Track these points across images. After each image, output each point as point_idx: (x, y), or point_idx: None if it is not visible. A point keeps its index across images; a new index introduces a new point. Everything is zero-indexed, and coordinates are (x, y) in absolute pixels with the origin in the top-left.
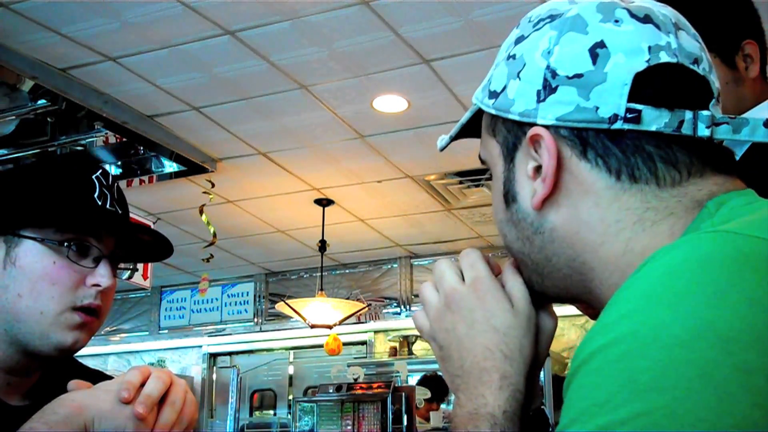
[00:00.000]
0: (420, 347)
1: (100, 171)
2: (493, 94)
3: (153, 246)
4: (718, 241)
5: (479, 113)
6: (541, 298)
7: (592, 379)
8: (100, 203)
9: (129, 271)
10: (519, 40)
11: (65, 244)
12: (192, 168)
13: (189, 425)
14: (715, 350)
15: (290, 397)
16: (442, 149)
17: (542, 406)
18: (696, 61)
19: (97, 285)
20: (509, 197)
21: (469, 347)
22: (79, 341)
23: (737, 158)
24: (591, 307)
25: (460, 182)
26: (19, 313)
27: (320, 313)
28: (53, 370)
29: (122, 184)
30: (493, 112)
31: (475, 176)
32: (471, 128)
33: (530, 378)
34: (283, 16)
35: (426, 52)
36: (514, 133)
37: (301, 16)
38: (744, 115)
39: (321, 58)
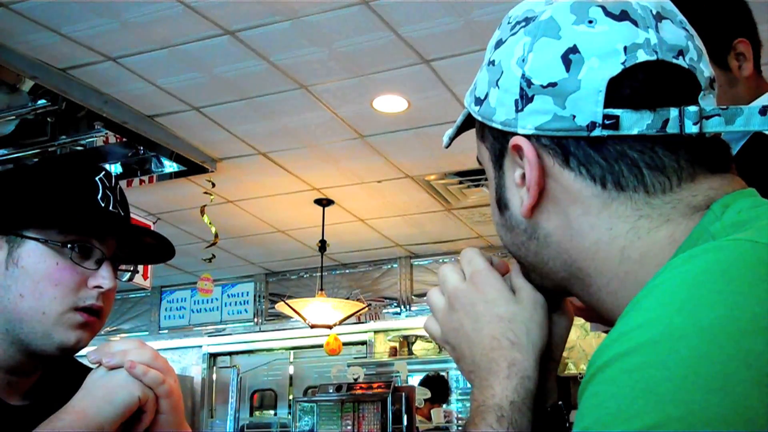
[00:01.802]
0: (420, 347)
1: (103, 173)
2: (478, 101)
3: (155, 248)
4: (739, 251)
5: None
6: (549, 295)
7: (607, 388)
8: (103, 205)
9: (130, 273)
10: (498, 44)
11: (68, 245)
12: (192, 168)
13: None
14: (734, 363)
15: (290, 397)
16: (447, 146)
17: (559, 402)
18: (681, 53)
19: (99, 287)
20: (502, 204)
21: (477, 340)
22: (81, 340)
23: (734, 153)
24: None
25: (460, 182)
26: (21, 313)
27: (320, 313)
28: (53, 369)
29: (122, 184)
30: (479, 119)
31: (475, 176)
32: (471, 123)
33: (545, 371)
34: (283, 16)
35: (426, 52)
36: (499, 141)
37: (301, 16)
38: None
39: (321, 58)
